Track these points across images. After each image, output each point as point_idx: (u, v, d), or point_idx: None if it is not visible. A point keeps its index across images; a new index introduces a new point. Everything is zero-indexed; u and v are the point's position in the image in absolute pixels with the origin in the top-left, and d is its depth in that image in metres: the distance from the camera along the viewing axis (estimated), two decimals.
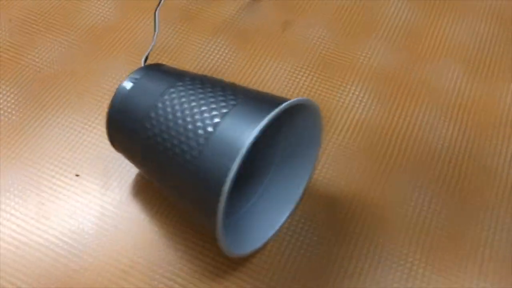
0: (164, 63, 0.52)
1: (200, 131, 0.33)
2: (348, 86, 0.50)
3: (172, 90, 0.36)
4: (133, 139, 0.37)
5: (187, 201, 0.34)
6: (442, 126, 0.47)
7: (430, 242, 0.40)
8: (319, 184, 0.43)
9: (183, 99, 0.35)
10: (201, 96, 0.35)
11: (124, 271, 0.38)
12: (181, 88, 0.36)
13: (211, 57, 0.52)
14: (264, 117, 0.32)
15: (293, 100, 0.34)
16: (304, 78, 0.51)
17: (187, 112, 0.35)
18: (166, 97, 0.36)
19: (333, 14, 0.56)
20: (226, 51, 0.53)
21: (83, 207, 0.41)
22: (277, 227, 0.40)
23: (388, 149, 0.46)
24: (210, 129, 0.33)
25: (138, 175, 0.43)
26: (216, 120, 0.33)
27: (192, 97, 0.35)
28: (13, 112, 0.47)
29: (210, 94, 0.35)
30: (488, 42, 0.54)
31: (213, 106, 0.34)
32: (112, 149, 0.45)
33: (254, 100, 0.34)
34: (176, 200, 0.36)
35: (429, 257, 0.39)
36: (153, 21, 0.55)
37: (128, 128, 0.37)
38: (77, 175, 0.43)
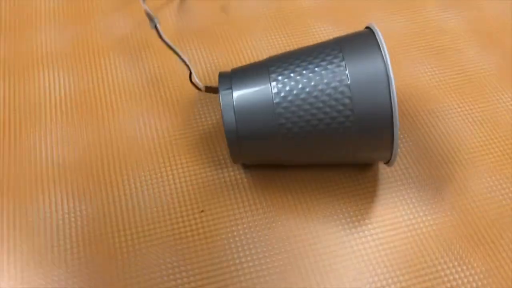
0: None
1: (339, 87, 0.38)
2: (316, 29, 0.58)
3: (277, 76, 0.40)
4: (269, 140, 0.40)
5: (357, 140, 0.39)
6: None
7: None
8: None
9: (297, 77, 0.39)
10: (303, 64, 0.40)
11: (314, 245, 0.42)
12: (279, 70, 0.40)
13: (206, 69, 0.54)
14: (376, 46, 0.39)
15: (372, 24, 0.41)
16: (280, 42, 0.57)
17: (312, 83, 0.39)
18: (279, 85, 0.39)
19: None
20: (200, 55, 0.55)
21: (243, 229, 0.42)
22: None
23: None
24: (346, 81, 0.38)
25: (258, 176, 0.45)
26: (342, 73, 0.39)
27: (298, 69, 0.40)
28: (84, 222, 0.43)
29: (308, 60, 0.40)
30: None
31: (328, 66, 0.39)
32: (206, 170, 0.45)
33: (347, 42, 0.40)
34: (340, 155, 0.41)
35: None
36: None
37: (260, 134, 0.39)
38: (201, 211, 0.43)
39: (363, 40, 0.40)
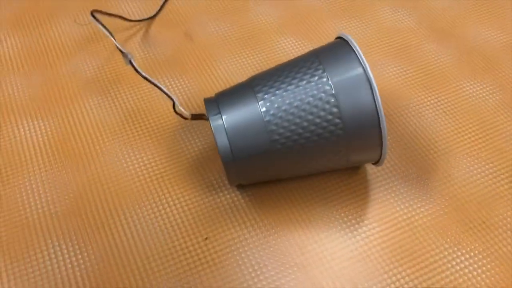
0: (143, 123, 0.51)
1: (325, 97, 0.40)
2: (280, 43, 0.60)
3: (264, 95, 0.41)
4: (264, 158, 0.40)
5: (351, 145, 0.41)
6: None
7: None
8: None
9: (283, 94, 0.40)
10: (286, 80, 0.41)
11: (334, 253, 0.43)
12: (264, 89, 0.41)
13: (181, 97, 0.54)
14: (353, 53, 0.41)
15: (345, 34, 0.43)
16: (249, 61, 0.58)
17: (299, 97, 0.40)
18: (267, 103, 0.40)
19: (208, 4, 0.64)
20: (173, 84, 0.55)
21: (250, 249, 0.42)
22: None
23: None
24: (330, 91, 0.40)
25: (254, 195, 0.46)
26: (326, 84, 0.40)
27: (282, 85, 0.41)
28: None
29: (291, 75, 0.41)
30: None
31: (311, 79, 0.41)
32: (202, 196, 0.45)
33: (324, 54, 0.42)
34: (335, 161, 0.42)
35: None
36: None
37: (255, 154, 0.40)
38: (206, 239, 0.43)
39: (339, 50, 0.42)
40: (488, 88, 0.56)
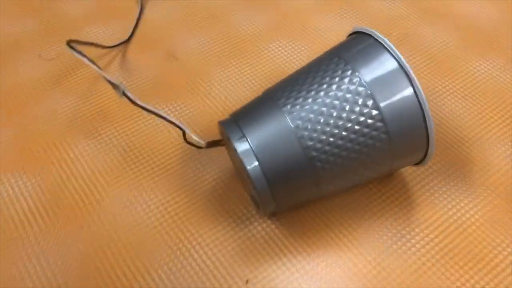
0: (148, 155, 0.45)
1: (362, 100, 0.35)
2: (269, 46, 0.55)
3: (291, 109, 0.35)
4: (302, 179, 0.35)
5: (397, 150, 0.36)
6: None
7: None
8: None
9: (314, 102, 0.35)
10: (312, 88, 0.36)
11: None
12: (289, 101, 0.36)
13: (185, 119, 0.48)
14: (381, 46, 0.36)
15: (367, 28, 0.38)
16: (242, 71, 0.53)
17: (332, 105, 0.35)
18: (298, 118, 0.35)
19: (186, 18, 0.58)
20: (169, 110, 0.49)
21: (299, 285, 0.37)
22: None
23: None
24: (366, 92, 0.35)
25: (288, 221, 0.40)
26: (360, 84, 0.35)
27: (309, 94, 0.36)
28: None
29: (316, 82, 0.36)
30: None
31: (341, 82, 0.36)
32: (231, 232, 0.39)
33: (347, 52, 0.37)
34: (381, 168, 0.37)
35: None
36: None
37: (292, 175, 0.35)
38: (247, 282, 0.37)
39: (362, 45, 0.37)
40: (498, 65, 0.53)
